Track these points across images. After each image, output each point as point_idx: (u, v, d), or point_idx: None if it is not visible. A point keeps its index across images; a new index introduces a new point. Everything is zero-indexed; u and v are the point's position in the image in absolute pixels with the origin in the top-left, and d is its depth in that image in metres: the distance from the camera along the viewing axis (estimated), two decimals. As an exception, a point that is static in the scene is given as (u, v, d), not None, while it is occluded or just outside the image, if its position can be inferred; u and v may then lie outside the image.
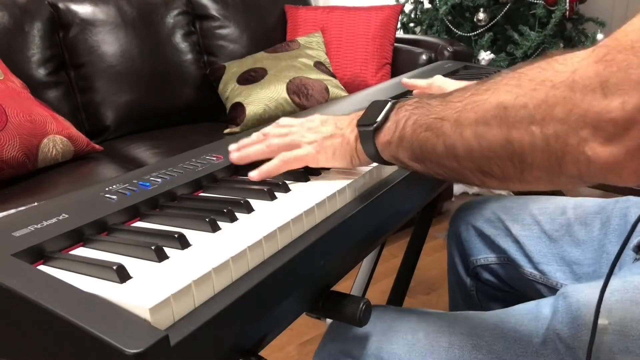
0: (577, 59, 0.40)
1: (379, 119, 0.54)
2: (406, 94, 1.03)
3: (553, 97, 0.39)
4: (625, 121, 0.36)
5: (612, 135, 0.37)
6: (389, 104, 0.55)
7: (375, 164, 0.61)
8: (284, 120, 0.65)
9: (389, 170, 0.65)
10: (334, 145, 0.58)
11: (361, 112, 0.57)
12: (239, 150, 0.63)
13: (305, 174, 0.60)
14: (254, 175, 0.59)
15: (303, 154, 0.59)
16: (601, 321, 0.53)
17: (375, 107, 0.56)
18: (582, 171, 0.39)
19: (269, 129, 0.64)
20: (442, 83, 0.86)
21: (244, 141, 0.64)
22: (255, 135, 0.65)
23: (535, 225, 0.81)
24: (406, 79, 0.90)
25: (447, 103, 0.48)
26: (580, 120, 0.38)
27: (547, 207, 0.82)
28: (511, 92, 0.42)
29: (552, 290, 0.78)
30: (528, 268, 0.81)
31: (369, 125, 0.54)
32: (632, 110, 0.35)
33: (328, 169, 0.63)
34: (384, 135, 0.53)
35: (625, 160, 0.37)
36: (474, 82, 0.48)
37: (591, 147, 0.38)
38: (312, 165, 0.60)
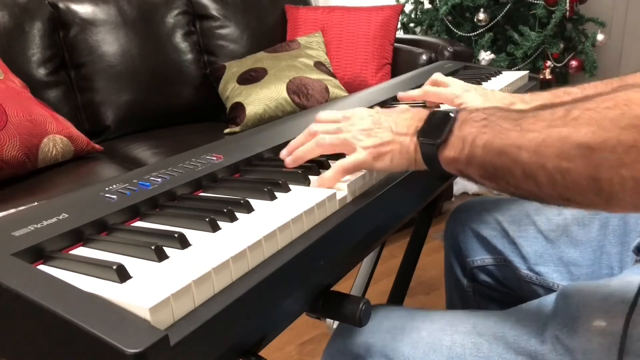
0: None
1: (443, 135, 0.53)
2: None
3: None
4: None
5: None
6: (452, 117, 0.53)
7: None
8: (324, 115, 0.63)
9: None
10: (392, 153, 0.57)
11: (418, 116, 0.57)
12: (290, 154, 0.62)
13: (305, 174, 0.61)
14: (313, 184, 0.59)
15: (360, 161, 0.58)
16: (599, 323, 0.53)
17: (436, 119, 0.55)
18: None
19: (313, 127, 0.63)
20: (442, 80, 0.86)
21: (293, 144, 0.63)
22: (302, 136, 0.63)
23: (531, 226, 0.81)
24: (401, 93, 0.89)
25: (522, 131, 0.47)
26: None
27: (544, 208, 0.82)
28: (594, 133, 0.42)
29: (549, 291, 0.78)
30: (524, 269, 0.81)
31: (432, 139, 0.54)
32: None
33: (327, 169, 0.63)
34: (449, 151, 0.53)
35: None
36: (543, 104, 0.47)
37: None
38: (368, 170, 0.60)
